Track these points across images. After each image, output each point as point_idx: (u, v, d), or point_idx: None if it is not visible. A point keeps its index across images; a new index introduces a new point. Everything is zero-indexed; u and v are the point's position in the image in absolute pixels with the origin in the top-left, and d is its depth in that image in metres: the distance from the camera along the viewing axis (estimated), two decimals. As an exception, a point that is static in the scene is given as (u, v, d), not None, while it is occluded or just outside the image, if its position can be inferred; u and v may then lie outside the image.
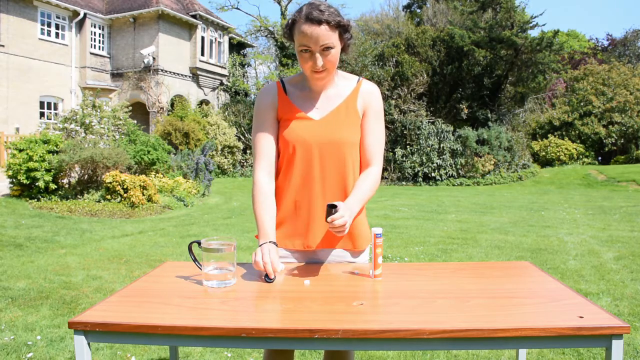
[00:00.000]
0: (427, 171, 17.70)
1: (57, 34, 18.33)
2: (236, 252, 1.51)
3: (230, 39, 23.58)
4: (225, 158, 18.83)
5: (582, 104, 21.97)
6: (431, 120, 18.65)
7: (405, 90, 18.79)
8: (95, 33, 19.57)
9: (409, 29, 22.33)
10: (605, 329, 1.13)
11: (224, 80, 22.92)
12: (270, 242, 1.56)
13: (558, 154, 20.60)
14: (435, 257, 5.39)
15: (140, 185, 9.24)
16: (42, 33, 17.74)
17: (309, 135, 1.61)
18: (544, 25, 31.28)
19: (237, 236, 6.54)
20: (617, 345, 1.14)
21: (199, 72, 21.17)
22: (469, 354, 2.80)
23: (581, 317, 1.18)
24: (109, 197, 9.17)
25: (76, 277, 4.46)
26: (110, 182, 9.03)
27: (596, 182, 16.25)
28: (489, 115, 19.45)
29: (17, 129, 16.03)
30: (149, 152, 11.18)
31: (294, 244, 1.67)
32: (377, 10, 46.63)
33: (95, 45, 19.56)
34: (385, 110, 18.07)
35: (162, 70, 19.41)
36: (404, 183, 17.80)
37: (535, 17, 19.46)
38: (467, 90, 19.79)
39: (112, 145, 10.88)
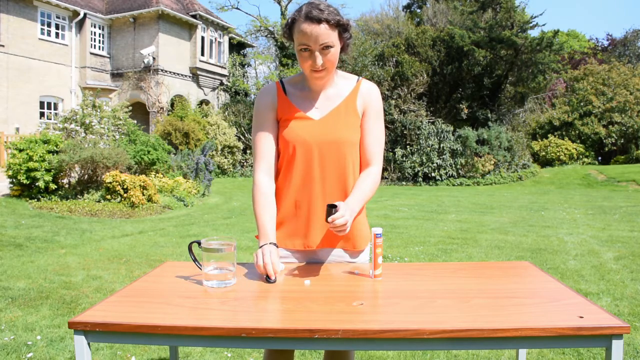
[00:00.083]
0: (427, 171, 17.70)
1: (57, 34, 18.33)
2: (236, 252, 1.51)
3: (230, 39, 23.58)
4: (225, 158, 18.84)
5: (582, 104, 21.97)
6: (431, 120, 18.65)
7: (405, 90, 18.79)
8: (95, 33, 19.57)
9: (409, 29, 22.33)
10: (605, 329, 1.13)
11: (224, 80, 22.93)
12: (270, 243, 1.56)
13: (558, 154, 20.61)
14: (435, 257, 5.39)
15: (140, 185, 9.24)
16: (42, 33, 17.74)
17: (309, 135, 1.61)
18: (544, 25, 31.34)
19: (237, 236, 6.54)
20: (617, 345, 1.14)
21: (199, 72, 21.17)
22: (469, 354, 2.80)
23: (581, 317, 1.18)
24: (109, 197, 9.17)
25: (76, 277, 4.46)
26: (110, 182, 9.03)
27: (596, 182, 16.25)
28: (489, 115, 19.45)
29: (17, 129, 16.03)
30: (149, 152, 11.18)
31: (294, 244, 1.68)
32: (377, 10, 46.65)
33: (95, 45, 19.56)
34: (385, 110, 18.07)
35: (162, 70, 19.41)
36: (404, 183, 17.80)
37: (535, 17, 19.47)
38: (467, 90, 19.80)
39: (112, 145, 10.88)
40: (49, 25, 17.98)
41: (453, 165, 17.72)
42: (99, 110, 11.56)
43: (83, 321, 1.18)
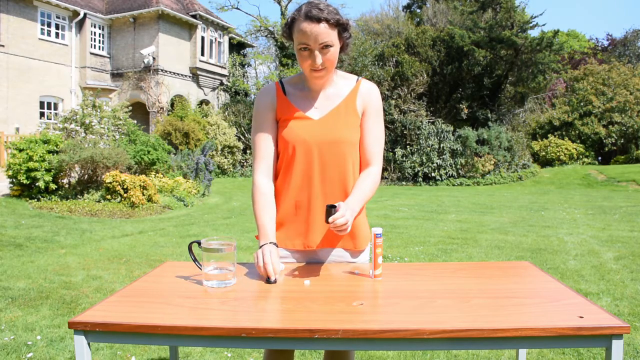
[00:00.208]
0: (427, 171, 17.70)
1: (57, 34, 18.32)
2: (236, 252, 1.51)
3: (230, 39, 23.58)
4: (225, 158, 18.84)
5: (582, 104, 21.97)
6: (431, 120, 18.65)
7: (405, 90, 18.79)
8: (95, 33, 19.57)
9: (409, 29, 22.33)
10: (605, 329, 1.13)
11: (224, 80, 22.93)
12: (270, 242, 1.56)
13: (558, 154, 20.60)
14: (435, 257, 5.39)
15: (140, 185, 9.24)
16: (42, 33, 17.74)
17: (309, 135, 1.61)
18: (544, 25, 31.34)
19: (237, 236, 6.54)
20: (617, 345, 1.14)
21: (199, 72, 21.17)
22: (469, 354, 2.80)
23: (581, 317, 1.18)
24: (109, 197, 9.17)
25: (76, 277, 4.46)
26: (110, 182, 9.03)
27: (596, 182, 16.25)
28: (489, 115, 19.45)
29: (17, 129, 16.03)
30: (149, 152, 11.18)
31: (294, 244, 1.67)
32: (377, 10, 46.65)
33: (95, 45, 19.56)
34: (385, 110, 18.07)
35: (162, 70, 19.41)
36: (404, 183, 17.80)
37: (535, 17, 19.47)
38: (467, 90, 19.80)
39: (112, 145, 10.88)
40: (49, 25, 17.98)
41: (453, 165, 17.72)
42: (99, 110, 11.57)
43: (83, 321, 1.18)
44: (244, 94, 23.81)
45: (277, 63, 25.51)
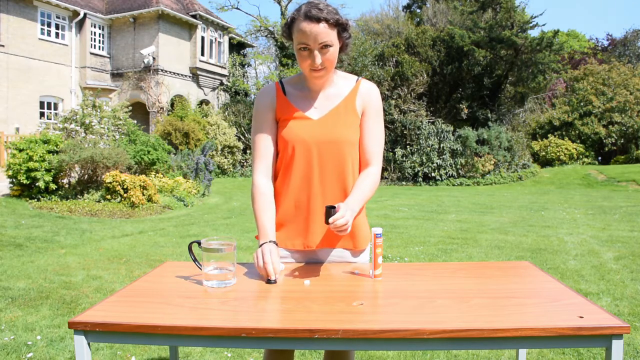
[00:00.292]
0: (427, 171, 17.70)
1: (57, 34, 18.32)
2: (236, 252, 1.51)
3: (230, 39, 23.58)
4: (225, 158, 18.84)
5: (582, 104, 21.97)
6: (431, 120, 18.65)
7: (405, 90, 18.79)
8: (95, 33, 19.57)
9: (409, 29, 22.34)
10: (605, 329, 1.13)
11: (224, 80, 22.93)
12: (270, 241, 1.56)
13: (558, 154, 20.60)
14: (435, 257, 5.39)
15: (140, 185, 9.24)
16: (42, 33, 17.74)
17: (308, 134, 1.61)
18: (544, 25, 31.31)
19: (237, 236, 6.54)
20: (617, 345, 1.14)
21: (199, 72, 21.17)
22: (469, 354, 2.80)
23: (581, 317, 1.18)
24: (109, 197, 9.17)
25: (76, 277, 4.46)
26: (110, 182, 9.03)
27: (596, 182, 16.25)
28: (489, 115, 19.45)
29: (17, 129, 16.03)
30: (149, 152, 11.18)
31: (294, 244, 1.68)
32: (377, 10, 46.65)
33: (95, 45, 19.56)
34: (385, 110, 18.07)
35: (162, 70, 19.41)
36: (404, 183, 17.80)
37: (535, 17, 19.47)
38: (467, 90, 19.80)
39: (112, 145, 10.88)
40: (49, 25, 17.98)
41: (453, 165, 17.72)
42: (99, 110, 11.57)
43: (83, 321, 1.18)
44: (244, 94, 23.82)
45: (277, 63, 25.51)
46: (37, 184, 9.01)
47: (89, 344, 1.20)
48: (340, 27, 1.54)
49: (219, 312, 1.26)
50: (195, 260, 1.60)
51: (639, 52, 30.91)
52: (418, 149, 17.90)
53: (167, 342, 1.21)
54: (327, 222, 1.42)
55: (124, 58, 19.90)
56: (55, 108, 18.39)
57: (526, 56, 19.04)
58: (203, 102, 21.57)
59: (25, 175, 8.90)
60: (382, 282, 1.50)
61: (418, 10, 29.63)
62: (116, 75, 20.11)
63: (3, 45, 16.32)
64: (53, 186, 9.17)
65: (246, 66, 25.62)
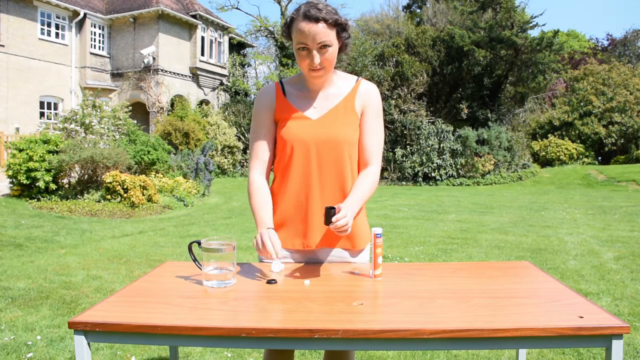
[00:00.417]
0: (427, 171, 17.70)
1: (57, 34, 18.32)
2: (236, 252, 1.51)
3: (230, 39, 23.58)
4: (225, 158, 18.84)
5: (582, 104, 21.97)
6: (431, 120, 18.65)
7: (405, 90, 18.79)
8: (95, 33, 19.57)
9: (409, 29, 22.34)
10: (605, 329, 1.13)
11: (224, 80, 22.93)
12: (268, 228, 1.56)
13: (558, 154, 20.60)
14: (435, 257, 5.39)
15: (140, 185, 9.24)
16: (42, 33, 17.74)
17: (306, 134, 1.61)
18: (544, 25, 31.31)
19: (237, 236, 6.54)
20: (617, 345, 1.14)
21: (199, 72, 21.17)
22: (469, 354, 2.80)
23: (581, 317, 1.18)
24: (109, 197, 9.17)
25: (76, 277, 4.46)
26: (110, 182, 9.03)
27: (596, 182, 16.25)
28: (489, 115, 19.45)
29: (17, 129, 16.03)
30: (149, 152, 11.18)
31: (294, 244, 1.68)
32: (377, 10, 46.65)
33: (95, 45, 19.56)
34: (385, 110, 18.07)
35: (162, 70, 19.41)
36: (404, 183, 17.80)
37: (535, 17, 19.47)
38: (467, 90, 19.80)
39: (112, 145, 10.88)
40: (49, 25, 17.98)
41: (453, 165, 17.72)
42: (99, 110, 11.57)
43: (83, 321, 1.18)
44: (244, 94, 23.82)
45: (277, 63, 25.52)
46: (37, 184, 9.01)
47: (89, 344, 1.20)
48: (339, 27, 1.54)
49: (219, 312, 1.26)
50: (195, 260, 1.60)
51: (639, 52, 30.91)
52: (418, 149, 17.90)
53: (167, 342, 1.21)
54: (326, 223, 1.42)
55: (124, 58, 19.90)
56: (55, 108, 18.39)
57: (526, 56, 19.04)
58: (203, 102, 21.57)
59: (25, 175, 8.90)
60: (382, 282, 1.50)
61: (418, 10, 29.64)
62: (116, 75, 20.11)
63: (3, 45, 16.32)
64: (53, 186, 9.17)
65: (246, 66, 25.63)
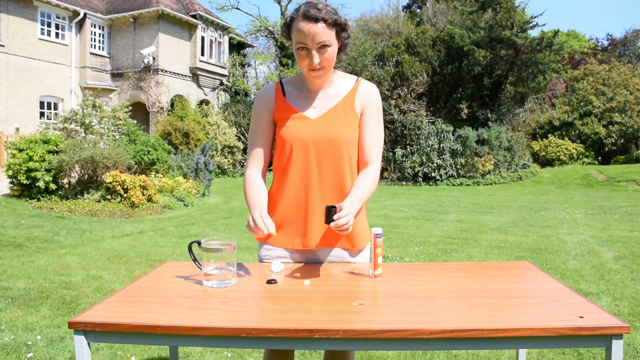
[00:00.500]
0: (427, 171, 17.70)
1: (57, 34, 18.32)
2: (236, 252, 1.51)
3: (230, 39, 23.58)
4: (225, 158, 18.84)
5: (582, 104, 21.97)
6: (431, 120, 18.65)
7: (405, 90, 18.79)
8: (95, 33, 19.57)
9: (409, 29, 22.34)
10: (605, 329, 1.13)
11: (224, 80, 22.93)
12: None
13: (558, 154, 20.60)
14: (435, 257, 5.39)
15: (140, 185, 9.24)
16: (42, 33, 17.74)
17: (305, 134, 1.62)
18: (544, 25, 31.30)
19: (237, 236, 6.54)
20: (617, 345, 1.14)
21: (199, 72, 21.17)
22: (469, 354, 2.80)
23: (581, 317, 1.18)
24: (109, 197, 9.17)
25: (76, 277, 4.46)
26: (110, 182, 9.03)
27: (596, 182, 16.25)
28: (489, 115, 19.45)
29: (17, 129, 16.03)
30: (149, 152, 11.18)
31: (293, 244, 1.68)
32: (377, 10, 46.64)
33: (95, 45, 19.56)
34: (385, 110, 18.07)
35: (162, 70, 19.41)
36: (404, 183, 17.80)
37: (535, 17, 19.46)
38: (467, 90, 19.80)
39: (112, 145, 10.88)
40: (49, 25, 17.98)
41: (453, 165, 17.72)
42: (99, 110, 11.57)
43: (83, 321, 1.18)
44: (244, 94, 23.82)
45: (277, 63, 25.52)
46: (37, 184, 9.01)
47: (89, 344, 1.20)
48: (339, 27, 1.54)
49: (219, 312, 1.26)
50: (195, 260, 1.60)
51: (639, 52, 30.90)
52: (418, 149, 17.90)
53: (167, 342, 1.21)
54: (327, 222, 1.42)
55: (124, 58, 19.90)
56: (55, 108, 18.39)
57: (526, 56, 19.04)
58: (203, 102, 21.57)
59: (25, 175, 8.90)
60: (382, 282, 1.50)
61: (418, 10, 29.64)
62: (116, 75, 20.11)
63: (3, 45, 16.32)
64: (53, 186, 9.17)
65: (246, 66, 25.63)
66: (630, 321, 3.25)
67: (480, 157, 17.79)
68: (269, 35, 27.04)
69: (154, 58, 19.20)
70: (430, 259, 5.31)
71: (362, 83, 1.69)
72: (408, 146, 18.21)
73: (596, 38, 36.67)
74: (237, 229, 7.37)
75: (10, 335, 3.03)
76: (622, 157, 21.34)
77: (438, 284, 1.50)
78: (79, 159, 9.17)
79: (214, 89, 22.50)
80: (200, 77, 21.34)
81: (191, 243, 1.58)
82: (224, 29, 22.53)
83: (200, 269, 1.52)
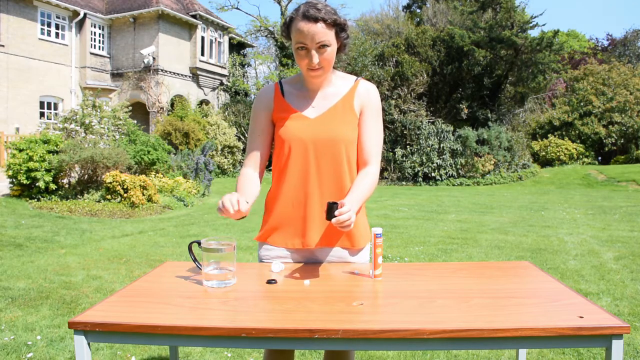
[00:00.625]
0: (427, 171, 17.71)
1: (57, 34, 18.32)
2: (236, 252, 1.51)
3: (230, 39, 23.58)
4: (225, 158, 18.84)
5: (582, 104, 21.97)
6: (431, 120, 18.66)
7: (405, 90, 18.79)
8: (95, 33, 19.56)
9: (409, 29, 22.34)
10: (605, 329, 1.13)
11: (224, 80, 22.92)
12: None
13: (558, 154, 20.60)
14: (435, 257, 5.39)
15: (140, 185, 9.24)
16: (42, 33, 17.73)
17: (304, 133, 1.62)
18: (544, 25, 31.31)
19: (237, 236, 6.54)
20: (617, 345, 1.14)
21: (199, 72, 21.16)
22: (469, 354, 2.80)
23: (581, 317, 1.18)
24: (109, 197, 9.17)
25: (76, 277, 4.46)
26: (110, 182, 9.03)
27: (596, 182, 16.25)
28: (489, 115, 19.45)
29: (17, 129, 16.03)
30: (149, 152, 11.18)
31: (293, 243, 1.68)
32: (377, 10, 46.63)
33: (95, 45, 19.56)
34: (385, 110, 18.08)
35: (162, 70, 19.41)
36: (404, 183, 17.80)
37: (535, 17, 19.47)
38: (467, 90, 19.80)
39: (112, 145, 10.88)
40: (49, 25, 17.97)
41: (453, 165, 17.72)
42: (99, 110, 11.57)
43: (83, 321, 1.18)
44: (244, 94, 23.82)
45: (277, 63, 25.52)
46: (37, 184, 9.01)
47: (89, 344, 1.20)
48: (338, 27, 1.55)
49: (219, 312, 1.26)
50: (195, 260, 1.60)
51: (639, 52, 30.90)
52: (418, 149, 17.90)
53: (167, 342, 1.21)
54: (328, 219, 1.40)
55: (124, 58, 19.90)
56: (55, 108, 18.38)
57: (526, 56, 19.04)
58: (203, 102, 21.57)
59: (25, 175, 8.90)
60: (382, 282, 1.50)
61: (418, 10, 29.63)
62: (116, 75, 20.10)
63: (3, 45, 16.32)
64: (53, 186, 9.17)
65: (246, 66, 25.63)
66: (630, 321, 3.25)
67: (480, 157, 17.79)
68: (269, 35, 27.04)
69: (154, 58, 19.20)
70: (430, 259, 5.31)
71: (361, 83, 1.70)
72: (408, 146, 18.21)
73: (596, 38, 36.69)
74: (237, 229, 7.37)
75: (10, 335, 3.03)
76: (622, 157, 21.34)
77: (438, 284, 1.50)
78: (79, 159, 9.17)
79: (214, 89, 22.50)
80: (200, 77, 21.34)
81: (191, 243, 1.58)
82: (224, 29, 22.52)
83: (200, 269, 1.52)
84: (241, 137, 19.83)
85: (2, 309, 3.56)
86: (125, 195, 9.06)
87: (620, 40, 31.74)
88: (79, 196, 9.45)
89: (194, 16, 20.61)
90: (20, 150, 9.16)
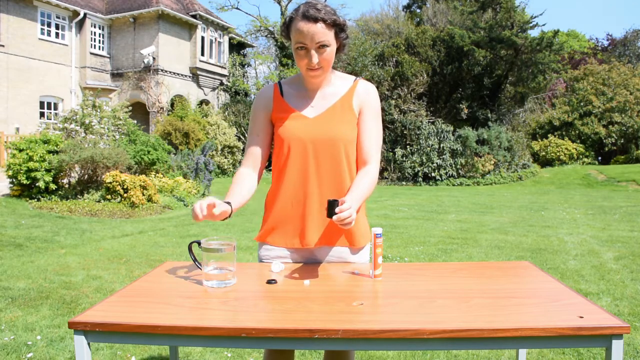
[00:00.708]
0: (427, 171, 17.71)
1: (57, 34, 18.32)
2: (236, 252, 1.51)
3: (230, 39, 23.58)
4: (225, 158, 18.84)
5: (582, 104, 21.97)
6: (431, 120, 18.66)
7: (405, 90, 18.79)
8: (95, 33, 19.57)
9: (409, 29, 22.34)
10: (605, 329, 1.13)
11: (224, 80, 22.92)
12: (225, 202, 1.52)
13: (558, 154, 20.60)
14: (435, 257, 5.39)
15: (140, 185, 9.24)
16: (42, 33, 17.74)
17: (303, 133, 1.62)
18: (544, 25, 31.33)
19: (237, 236, 6.54)
20: (617, 345, 1.14)
21: (199, 72, 21.17)
22: (469, 354, 2.80)
23: (581, 317, 1.18)
24: (109, 197, 9.17)
25: (76, 277, 4.46)
26: (110, 182, 9.03)
27: (596, 182, 16.25)
28: (489, 115, 19.45)
29: (17, 129, 16.03)
30: (149, 152, 11.18)
31: (293, 243, 1.68)
32: (377, 10, 46.63)
33: (95, 45, 19.56)
34: (385, 110, 18.09)
35: (162, 70, 19.41)
36: (404, 183, 17.80)
37: (535, 17, 19.48)
38: (467, 90, 19.80)
39: (112, 145, 10.88)
40: (49, 25, 17.97)
41: (453, 165, 17.72)
42: (99, 110, 11.56)
43: (83, 321, 1.18)
44: (244, 94, 23.82)
45: (277, 63, 25.52)
46: (37, 184, 9.01)
47: (89, 344, 1.20)
48: (338, 27, 1.55)
49: (219, 312, 1.26)
50: (195, 260, 1.60)
51: (639, 52, 30.90)
52: (418, 149, 17.91)
53: (167, 342, 1.21)
54: (329, 216, 1.39)
55: (124, 58, 19.90)
56: (55, 108, 18.38)
57: (526, 56, 19.04)
58: (203, 102, 21.57)
59: (25, 175, 8.90)
60: (382, 282, 1.50)
61: (418, 10, 29.63)
62: (116, 75, 20.11)
63: (3, 45, 16.32)
64: (53, 186, 9.16)
65: (246, 66, 25.63)
66: (630, 321, 3.25)
67: (480, 157, 17.79)
68: (269, 35, 27.04)
69: (154, 58, 19.20)
70: (430, 259, 5.31)
71: (360, 82, 1.70)
72: (408, 146, 18.21)
73: (596, 38, 36.70)
74: (237, 229, 7.37)
75: (10, 335, 3.03)
76: (622, 157, 21.34)
77: (438, 284, 1.50)
78: (79, 159, 9.17)
79: (214, 89, 22.50)
80: (200, 77, 21.34)
81: (191, 243, 1.58)
82: (224, 29, 22.53)
83: (200, 269, 1.52)
84: (241, 137, 19.83)
85: (2, 309, 3.56)
86: (125, 195, 9.06)
87: (620, 40, 31.74)
88: (79, 196, 9.45)
89: (194, 16, 20.61)
90: (20, 150, 9.16)
